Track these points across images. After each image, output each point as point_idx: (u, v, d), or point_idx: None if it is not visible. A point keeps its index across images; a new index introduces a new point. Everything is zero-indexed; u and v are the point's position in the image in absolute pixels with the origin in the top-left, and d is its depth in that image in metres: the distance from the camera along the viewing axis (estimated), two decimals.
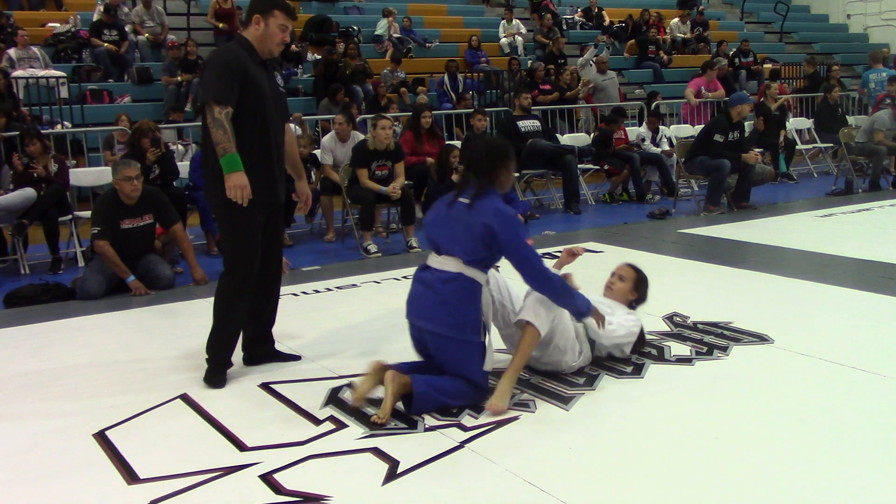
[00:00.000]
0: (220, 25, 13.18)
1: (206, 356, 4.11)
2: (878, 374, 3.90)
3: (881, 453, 3.12)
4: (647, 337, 4.42)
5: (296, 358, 4.40)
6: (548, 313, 3.70)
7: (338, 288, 6.07)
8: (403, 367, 3.72)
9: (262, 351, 4.38)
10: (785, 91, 12.32)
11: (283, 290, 5.96)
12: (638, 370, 4.07)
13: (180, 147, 9.58)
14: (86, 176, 8.36)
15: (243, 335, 4.28)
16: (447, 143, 9.29)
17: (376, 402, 3.62)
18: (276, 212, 4.22)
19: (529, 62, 14.56)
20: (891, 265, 6.21)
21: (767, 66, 16.80)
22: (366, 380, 3.70)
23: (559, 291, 3.69)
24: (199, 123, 9.86)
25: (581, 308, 3.78)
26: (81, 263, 7.05)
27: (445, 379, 3.64)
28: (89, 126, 10.10)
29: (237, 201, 3.80)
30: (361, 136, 8.41)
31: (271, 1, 3.98)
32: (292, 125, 8.41)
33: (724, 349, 4.35)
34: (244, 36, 4.03)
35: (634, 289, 4.34)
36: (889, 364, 4.02)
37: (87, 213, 7.18)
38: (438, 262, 3.75)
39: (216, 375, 4.08)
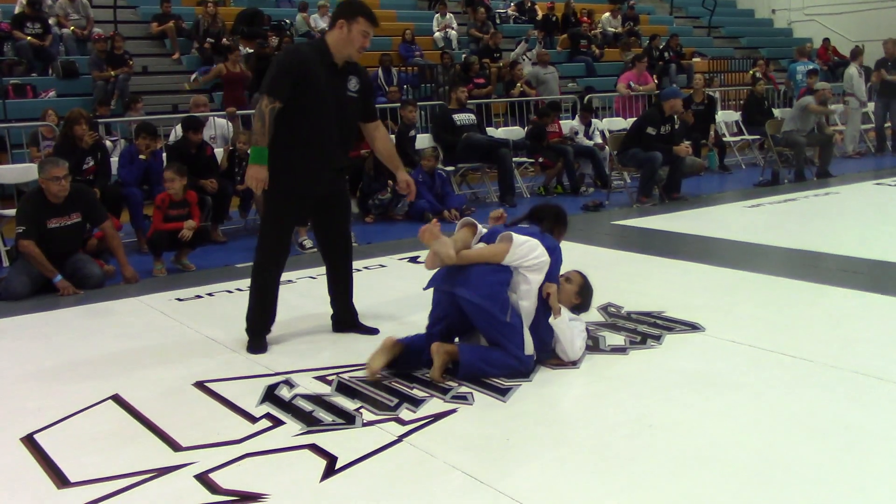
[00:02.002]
0: None
1: (245, 328, 4.52)
2: (805, 360, 4.01)
3: (808, 435, 3.20)
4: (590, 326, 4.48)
5: (374, 331, 4.65)
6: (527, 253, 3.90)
7: None
8: (415, 341, 4.00)
9: (345, 320, 4.75)
10: (705, 85, 12.58)
11: (216, 286, 5.95)
12: (574, 361, 4.11)
13: (108, 143, 9.35)
14: (9, 173, 8.11)
15: (331, 304, 4.77)
16: None
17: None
18: (328, 200, 4.50)
19: (463, 56, 14.58)
20: (816, 253, 6.39)
21: (696, 59, 17.13)
22: (378, 355, 3.90)
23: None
24: (127, 119, 9.81)
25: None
26: (6, 263, 6.85)
27: (491, 349, 3.89)
28: (12, 122, 9.79)
29: (251, 188, 4.19)
30: None
31: (357, 8, 4.25)
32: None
33: (658, 338, 4.43)
34: (324, 38, 4.34)
35: (579, 293, 4.36)
36: (816, 349, 4.14)
37: (12, 212, 6.97)
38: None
39: (254, 343, 4.45)
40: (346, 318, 4.76)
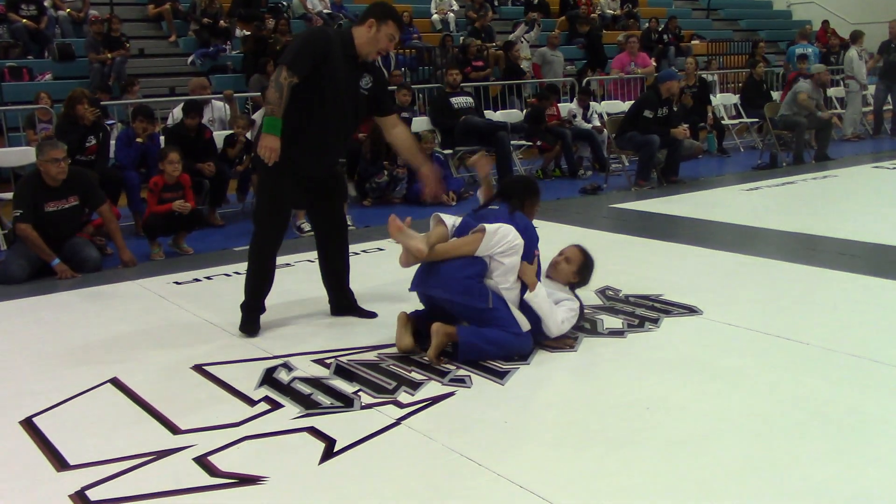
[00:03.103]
0: None
1: (240, 303, 4.53)
2: (802, 343, 4.02)
3: (805, 418, 3.22)
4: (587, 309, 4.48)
5: (372, 314, 4.67)
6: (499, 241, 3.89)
7: None
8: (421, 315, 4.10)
9: (343, 304, 4.75)
10: (698, 67, 12.53)
11: (214, 270, 5.95)
12: (571, 344, 4.12)
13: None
14: (6, 156, 8.08)
15: (326, 288, 4.78)
16: None
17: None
18: (325, 184, 4.53)
19: (462, 38, 14.51)
20: (814, 237, 6.39)
21: (695, 42, 17.07)
22: (402, 334, 4.04)
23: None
24: (125, 102, 9.77)
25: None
26: (4, 247, 6.84)
27: (490, 329, 3.89)
28: (8, 105, 9.75)
29: (264, 159, 4.10)
30: None
31: (389, 12, 4.30)
32: (255, 114, 8.26)
33: (655, 321, 4.43)
34: (350, 31, 4.33)
35: (578, 272, 4.35)
36: (813, 332, 4.15)
37: (8, 195, 6.96)
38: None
39: (247, 322, 4.47)
40: (344, 303, 4.76)
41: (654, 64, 13.85)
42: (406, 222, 3.98)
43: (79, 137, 7.15)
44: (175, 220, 6.60)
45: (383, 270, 5.84)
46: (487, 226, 3.94)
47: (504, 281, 3.94)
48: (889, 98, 13.51)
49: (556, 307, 4.06)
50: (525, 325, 3.94)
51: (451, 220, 4.15)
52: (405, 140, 4.70)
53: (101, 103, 9.59)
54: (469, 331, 3.92)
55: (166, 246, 6.71)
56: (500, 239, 3.90)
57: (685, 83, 11.79)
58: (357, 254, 6.31)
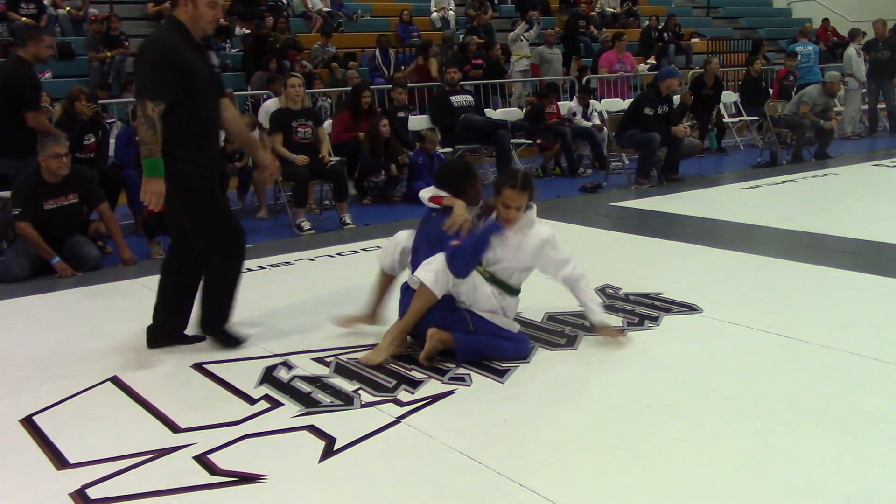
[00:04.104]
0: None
1: (210, 330, 4.24)
2: (802, 341, 4.02)
3: (805, 416, 3.22)
4: (579, 309, 4.49)
5: (200, 339, 4.30)
6: (444, 278, 3.84)
7: (271, 266, 6.00)
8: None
9: (172, 335, 4.28)
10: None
11: None
12: (571, 342, 4.13)
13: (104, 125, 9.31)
14: None
15: (159, 318, 4.27)
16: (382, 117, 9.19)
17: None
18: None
19: (461, 36, 14.51)
20: (814, 235, 6.39)
21: (695, 40, 17.06)
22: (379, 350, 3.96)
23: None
24: (124, 100, 9.77)
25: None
26: (4, 246, 6.83)
27: (483, 337, 3.89)
28: None
29: (150, 207, 3.85)
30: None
31: None
32: (260, 116, 8.28)
33: (655, 319, 4.43)
34: (176, 18, 3.95)
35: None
36: (812, 331, 4.15)
37: (7, 194, 6.95)
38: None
39: (230, 336, 4.24)
40: (176, 332, 4.30)
41: (653, 62, 13.82)
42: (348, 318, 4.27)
43: (77, 135, 7.14)
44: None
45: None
46: (421, 277, 3.84)
47: (473, 298, 3.93)
48: (881, 96, 13.52)
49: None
50: (513, 326, 3.96)
51: (397, 247, 4.17)
52: (236, 124, 4.43)
53: (101, 101, 9.60)
54: (465, 339, 3.89)
55: (166, 244, 6.71)
56: (447, 278, 3.84)
57: (707, 84, 11.73)
58: (357, 252, 6.32)
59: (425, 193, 4.16)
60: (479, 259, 3.93)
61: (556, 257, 4.03)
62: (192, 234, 4.11)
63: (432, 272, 3.84)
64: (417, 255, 4.06)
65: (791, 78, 12.74)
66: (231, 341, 4.22)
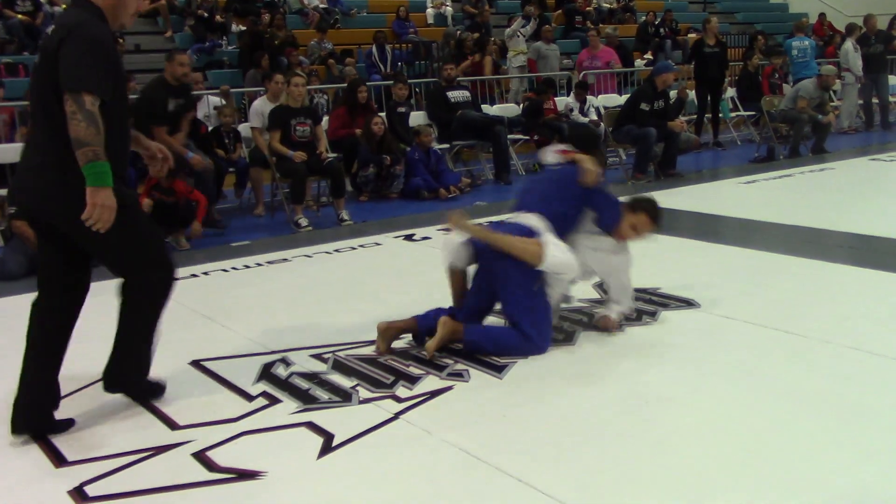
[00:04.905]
0: None
1: (129, 386, 3.51)
2: (800, 336, 4.02)
3: (803, 411, 3.22)
4: (578, 304, 4.49)
5: (70, 424, 3.36)
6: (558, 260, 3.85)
7: (268, 263, 6.00)
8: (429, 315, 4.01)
9: (43, 416, 3.31)
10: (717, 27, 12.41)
11: (211, 266, 5.93)
12: (569, 337, 4.13)
13: None
14: (2, 153, 8.05)
15: (25, 393, 3.31)
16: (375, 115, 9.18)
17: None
18: None
19: (458, 32, 14.49)
20: (811, 229, 6.39)
21: (692, 35, 17.04)
22: (381, 341, 3.98)
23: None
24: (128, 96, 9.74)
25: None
26: (0, 243, 6.82)
27: (498, 328, 3.93)
28: (4, 101, 9.72)
29: (95, 227, 3.03)
30: None
31: None
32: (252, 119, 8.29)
33: (653, 314, 4.43)
34: (94, 4, 3.18)
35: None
36: (810, 325, 4.15)
37: (4, 192, 6.94)
38: (520, 217, 4.04)
39: (154, 386, 3.57)
40: (50, 408, 3.35)
41: (648, 57, 13.81)
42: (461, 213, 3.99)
43: None
44: (172, 215, 6.59)
45: (382, 265, 5.84)
46: (549, 250, 3.81)
47: (554, 283, 3.96)
48: (875, 90, 13.55)
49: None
50: (544, 336, 3.91)
51: (459, 243, 4.01)
52: None
53: None
54: (477, 331, 3.91)
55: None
56: (559, 266, 3.85)
57: (707, 43, 11.74)
58: (355, 248, 6.32)
59: (549, 151, 4.34)
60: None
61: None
62: (119, 261, 3.40)
63: (560, 248, 3.85)
64: (527, 196, 4.16)
65: (776, 76, 12.77)
66: (154, 391, 3.56)
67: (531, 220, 3.95)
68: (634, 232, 4.19)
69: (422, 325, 4.00)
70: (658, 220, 4.26)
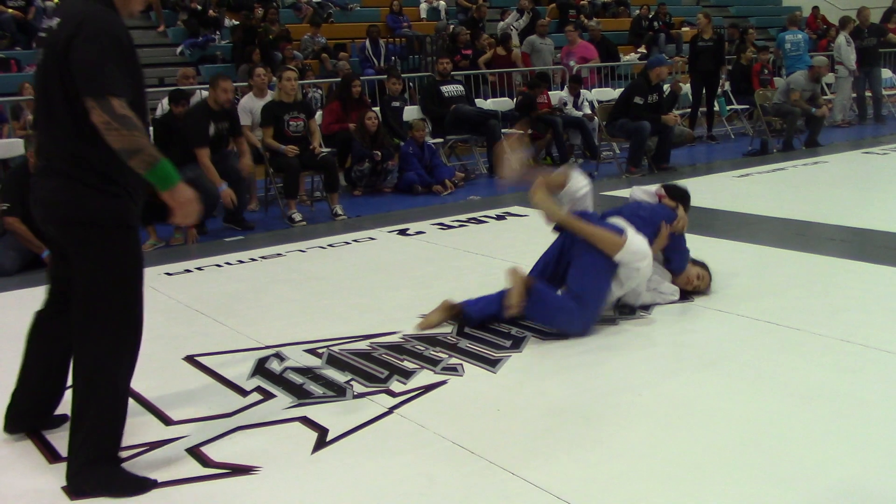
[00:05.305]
0: None
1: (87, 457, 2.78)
2: (792, 328, 4.03)
3: (795, 403, 3.23)
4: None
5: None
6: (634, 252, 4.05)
7: (262, 258, 6.00)
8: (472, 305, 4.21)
9: (44, 418, 3.22)
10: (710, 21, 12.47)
11: (205, 261, 5.93)
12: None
13: None
14: None
15: (23, 395, 3.17)
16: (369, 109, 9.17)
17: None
18: None
19: (451, 27, 14.47)
20: (804, 222, 6.41)
21: (685, 29, 17.05)
22: (436, 313, 4.21)
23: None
24: None
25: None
26: None
27: (559, 298, 4.04)
28: None
29: (184, 223, 2.83)
30: None
31: None
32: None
33: (647, 308, 4.44)
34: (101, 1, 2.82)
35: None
36: (802, 317, 4.16)
37: None
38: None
39: (125, 477, 2.83)
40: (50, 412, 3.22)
41: (645, 51, 13.80)
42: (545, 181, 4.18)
43: None
44: (164, 211, 6.58)
45: (377, 259, 5.84)
46: (629, 238, 4.04)
47: (627, 284, 4.15)
48: (868, 84, 13.59)
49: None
50: (589, 321, 4.05)
51: (580, 190, 4.29)
52: None
53: None
54: (542, 291, 4.04)
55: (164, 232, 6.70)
56: (636, 254, 4.04)
57: (703, 37, 11.75)
58: (349, 243, 6.32)
59: (639, 189, 4.77)
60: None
61: None
62: (88, 295, 2.80)
63: (637, 240, 4.06)
64: (614, 213, 4.39)
65: (766, 72, 12.79)
66: (124, 485, 2.80)
67: (618, 220, 4.22)
68: (698, 281, 4.56)
69: (468, 312, 4.20)
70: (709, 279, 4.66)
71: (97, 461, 2.77)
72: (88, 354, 2.80)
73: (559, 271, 4.21)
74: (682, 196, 4.75)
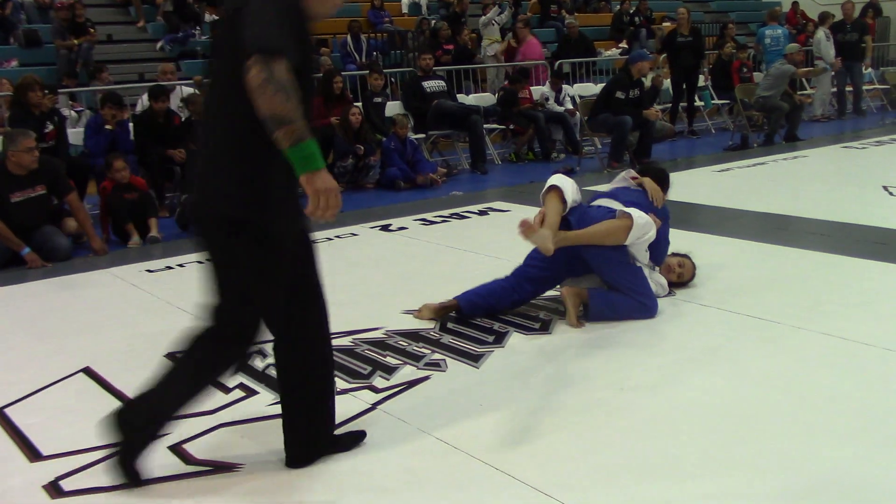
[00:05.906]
0: None
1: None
2: (773, 322, 4.06)
3: (777, 395, 3.26)
4: (555, 292, 4.51)
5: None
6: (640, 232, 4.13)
7: None
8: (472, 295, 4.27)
9: None
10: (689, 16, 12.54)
11: (186, 258, 5.89)
12: (546, 326, 4.15)
13: (73, 113, 9.20)
14: None
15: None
16: (352, 105, 9.15)
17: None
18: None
19: (433, 21, 14.44)
20: (784, 216, 6.45)
21: (666, 24, 17.10)
22: (430, 311, 4.27)
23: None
24: (92, 88, 9.65)
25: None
26: None
27: (616, 294, 4.16)
28: None
29: (325, 217, 2.56)
30: None
31: None
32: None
33: None
34: None
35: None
36: (784, 311, 4.19)
37: None
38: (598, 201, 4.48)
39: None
40: None
41: (612, 49, 13.83)
42: (535, 222, 4.10)
43: (34, 126, 7.03)
44: (139, 211, 6.59)
45: (358, 255, 5.83)
46: (634, 214, 4.11)
47: (642, 257, 4.27)
48: (849, 78, 13.67)
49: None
50: (654, 299, 4.22)
51: (570, 196, 4.24)
52: None
53: (69, 90, 9.48)
54: (599, 295, 4.17)
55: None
56: (646, 230, 4.12)
57: (681, 33, 11.81)
58: (331, 239, 6.30)
59: (619, 175, 4.83)
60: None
61: None
62: (233, 298, 2.76)
63: (637, 213, 4.12)
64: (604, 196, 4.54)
65: (745, 70, 12.86)
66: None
67: (610, 202, 4.36)
68: (680, 269, 4.62)
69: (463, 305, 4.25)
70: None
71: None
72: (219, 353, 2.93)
73: (564, 271, 4.29)
74: (651, 172, 4.84)
